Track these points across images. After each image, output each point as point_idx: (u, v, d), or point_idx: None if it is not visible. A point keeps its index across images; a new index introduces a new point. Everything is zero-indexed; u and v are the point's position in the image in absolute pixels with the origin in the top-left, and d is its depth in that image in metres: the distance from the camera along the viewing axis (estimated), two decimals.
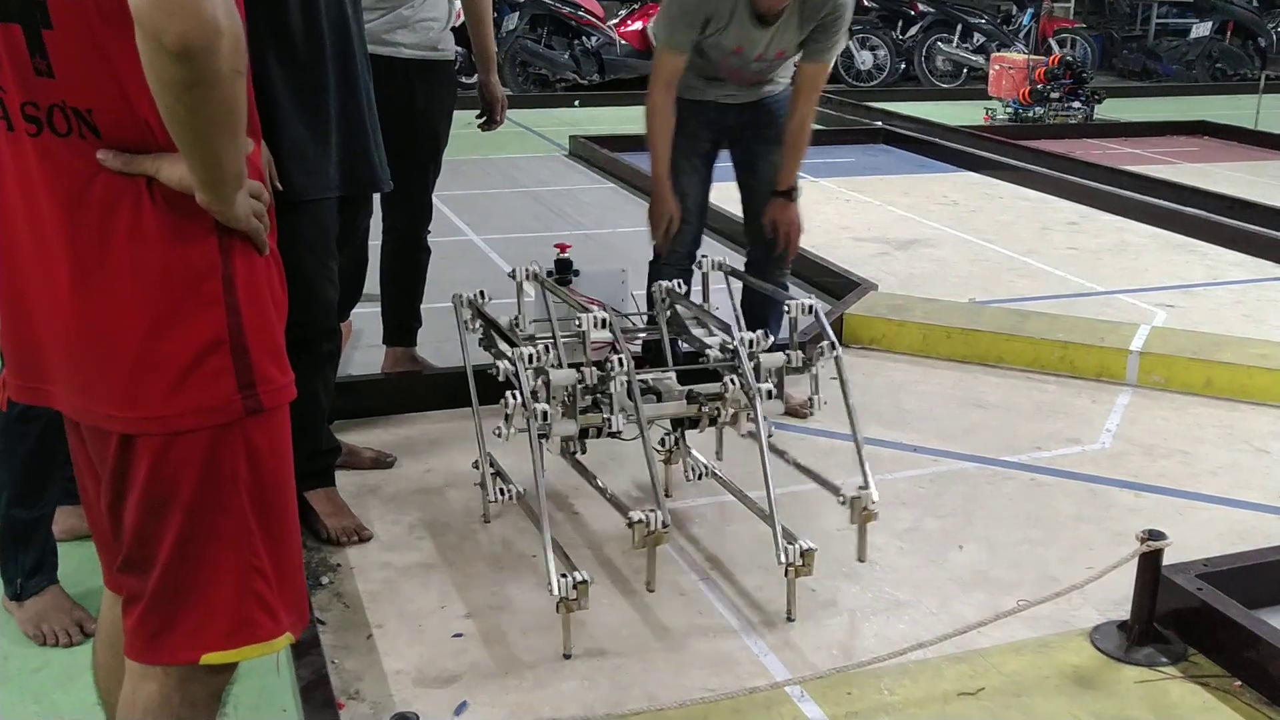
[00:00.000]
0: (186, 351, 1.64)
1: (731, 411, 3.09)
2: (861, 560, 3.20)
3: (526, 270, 3.49)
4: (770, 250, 4.25)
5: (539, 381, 2.92)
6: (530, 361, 2.91)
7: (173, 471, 1.67)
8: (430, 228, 4.54)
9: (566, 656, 2.83)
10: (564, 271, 3.39)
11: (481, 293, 3.48)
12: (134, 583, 1.74)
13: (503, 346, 3.23)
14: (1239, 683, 2.77)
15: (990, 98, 12.79)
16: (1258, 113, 12.08)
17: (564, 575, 2.72)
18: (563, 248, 3.42)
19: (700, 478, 3.40)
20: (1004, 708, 2.70)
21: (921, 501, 3.68)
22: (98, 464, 1.75)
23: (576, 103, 13.84)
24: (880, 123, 11.75)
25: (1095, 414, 4.46)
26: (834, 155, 10.42)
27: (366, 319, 4.67)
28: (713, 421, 3.17)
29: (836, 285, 5.86)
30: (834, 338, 3.12)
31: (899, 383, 4.76)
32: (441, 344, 4.88)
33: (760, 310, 4.13)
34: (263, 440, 1.73)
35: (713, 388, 3.09)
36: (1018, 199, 8.51)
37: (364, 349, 4.86)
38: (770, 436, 3.04)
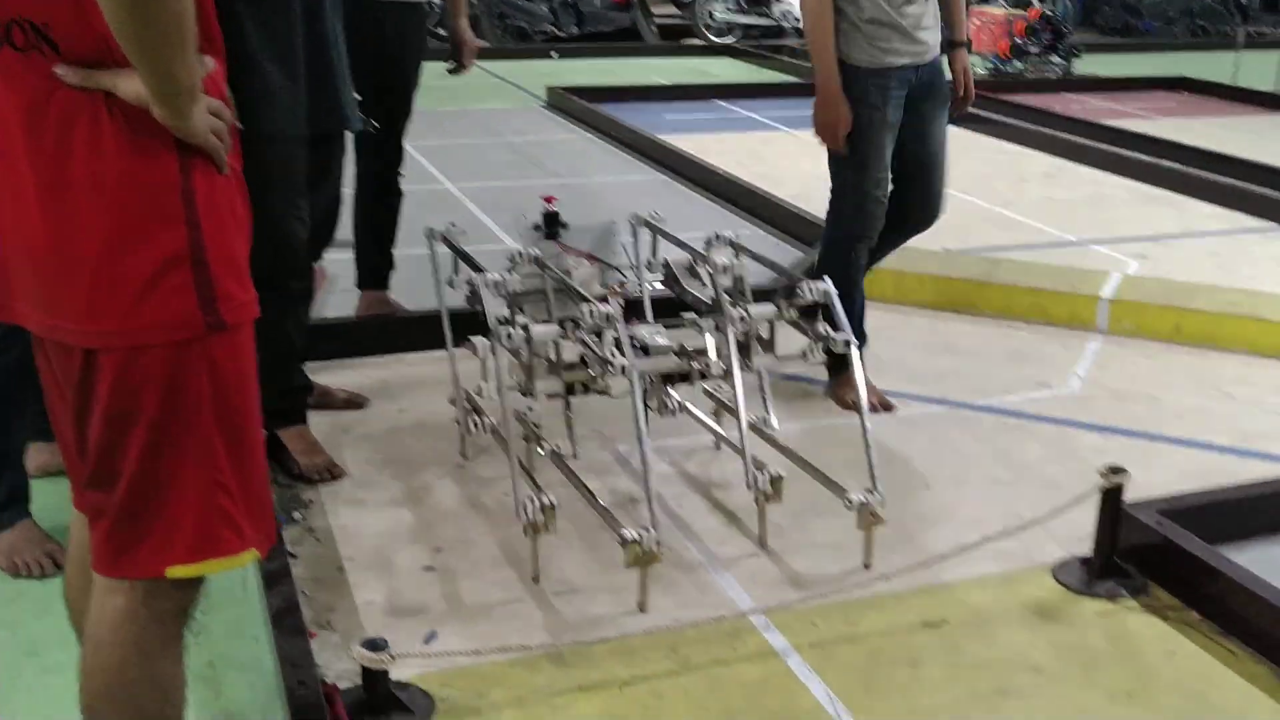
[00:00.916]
0: (147, 267, 1.64)
1: (720, 366, 2.98)
2: (867, 567, 2.99)
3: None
4: (931, 222, 4.13)
5: (515, 317, 2.87)
6: (497, 289, 2.90)
7: (135, 386, 1.67)
8: (403, 171, 4.54)
9: (535, 580, 2.85)
10: (552, 224, 3.31)
11: (453, 224, 3.43)
12: (100, 498, 1.75)
13: (473, 276, 3.17)
14: (1197, 615, 2.82)
15: (970, 52, 12.77)
16: (1236, 69, 12.10)
17: (530, 499, 2.73)
18: (550, 200, 3.33)
19: (674, 414, 3.35)
20: (966, 639, 2.74)
21: (891, 442, 3.71)
22: (63, 381, 1.75)
23: (554, 55, 13.77)
24: None
25: (1065, 359, 4.50)
26: (809, 108, 10.39)
27: (341, 264, 4.66)
28: (703, 376, 3.06)
29: (812, 234, 5.85)
30: (850, 331, 2.99)
31: (872, 329, 4.75)
32: (415, 288, 4.89)
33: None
34: (225, 357, 1.73)
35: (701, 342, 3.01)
36: (995, 152, 8.52)
37: (339, 294, 4.85)
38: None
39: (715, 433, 3.40)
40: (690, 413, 3.42)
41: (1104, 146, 8.18)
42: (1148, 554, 2.96)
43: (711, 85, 11.52)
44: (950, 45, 4.04)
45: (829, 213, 4.04)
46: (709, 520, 3.24)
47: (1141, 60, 14.08)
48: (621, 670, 2.58)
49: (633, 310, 3.49)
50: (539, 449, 3.24)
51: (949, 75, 4.05)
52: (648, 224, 3.52)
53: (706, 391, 3.49)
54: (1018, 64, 12.03)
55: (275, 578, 2.68)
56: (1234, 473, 3.53)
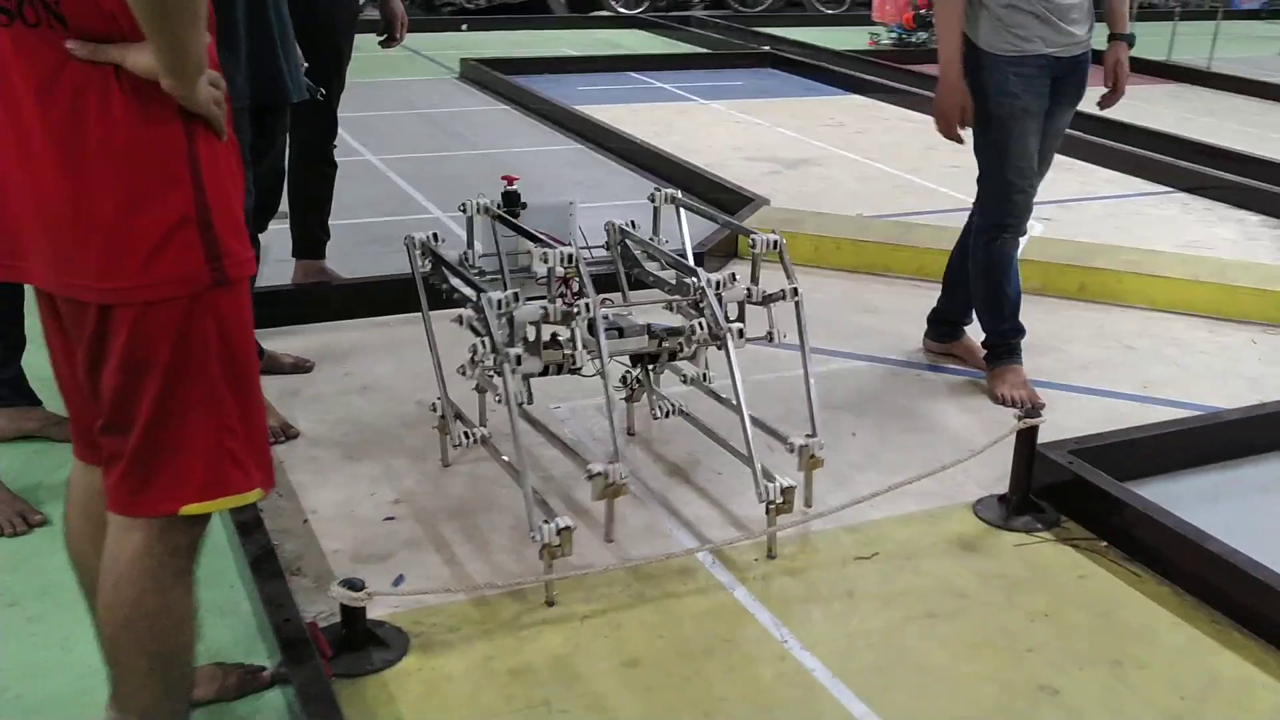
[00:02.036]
0: (158, 226, 1.77)
1: (694, 347, 3.06)
2: (808, 506, 3.14)
3: (476, 204, 3.25)
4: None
5: (504, 321, 2.81)
6: (501, 306, 2.77)
7: (149, 337, 1.80)
8: (336, 142, 4.63)
9: (549, 604, 2.76)
10: (512, 204, 3.26)
11: (435, 235, 3.27)
12: (115, 443, 1.87)
13: (466, 291, 3.04)
14: (1105, 544, 3.07)
15: (874, 23, 13.06)
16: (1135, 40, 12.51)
17: (546, 521, 2.70)
18: (510, 180, 3.28)
19: (668, 416, 3.42)
20: (897, 569, 2.96)
21: (818, 395, 3.91)
22: (73, 335, 1.87)
23: (464, 27, 13.81)
24: (768, 47, 11.96)
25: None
26: (722, 79, 10.62)
27: (275, 234, 4.74)
28: (673, 357, 3.11)
29: (730, 201, 6.06)
30: (796, 280, 3.06)
31: None
32: (347, 257, 5.00)
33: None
34: (230, 309, 1.86)
35: (675, 323, 3.07)
36: (902, 120, 8.80)
37: (273, 263, 4.92)
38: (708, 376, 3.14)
39: (714, 436, 3.34)
40: (686, 415, 3.45)
41: None
42: (1060, 490, 3.20)
43: (623, 56, 11.67)
44: (1109, 37, 3.94)
45: (975, 201, 4.04)
46: (653, 469, 3.42)
47: None
48: (581, 605, 2.76)
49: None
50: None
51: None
52: (621, 230, 3.47)
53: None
54: (922, 34, 12.34)
55: (249, 527, 2.81)
56: (1137, 417, 3.79)
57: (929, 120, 8.77)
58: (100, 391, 1.85)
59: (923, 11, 12.31)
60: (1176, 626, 2.76)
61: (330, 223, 4.72)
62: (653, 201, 3.46)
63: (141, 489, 1.87)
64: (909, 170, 7.22)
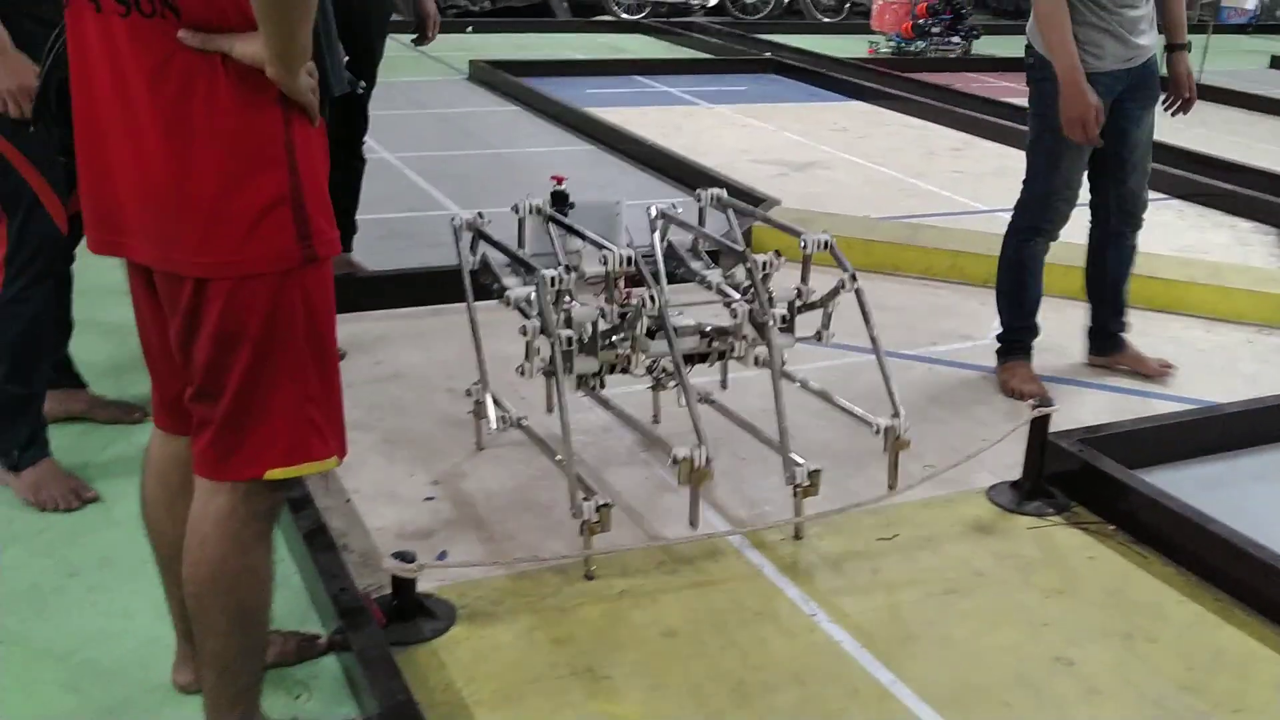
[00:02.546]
0: (255, 206, 1.90)
1: (744, 346, 3.07)
2: (892, 487, 3.19)
3: (529, 205, 3.27)
4: (1129, 220, 4.18)
5: (559, 310, 2.85)
6: (554, 284, 2.80)
7: (242, 310, 1.93)
8: (366, 139, 4.76)
9: (589, 578, 2.88)
10: (560, 204, 3.26)
11: (480, 214, 3.31)
12: (205, 410, 1.99)
13: (508, 281, 3.13)
14: (1113, 527, 3.21)
15: (873, 32, 13.22)
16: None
17: (586, 498, 2.80)
18: (559, 180, 3.28)
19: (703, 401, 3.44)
20: (917, 549, 3.10)
21: (834, 387, 4.02)
22: (168, 307, 1.99)
23: (469, 29, 13.94)
24: (769, 54, 12.10)
25: (984, 315, 4.88)
26: (727, 84, 10.76)
27: None
28: (721, 356, 3.14)
29: (742, 202, 6.19)
30: (851, 269, 3.12)
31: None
32: (370, 250, 5.13)
33: (1116, 274, 4.23)
34: (316, 286, 2.00)
35: (723, 319, 3.08)
36: (904, 126, 8.95)
37: None
38: (784, 363, 3.09)
39: (742, 423, 3.42)
40: (713, 404, 3.54)
41: (1005, 123, 8.64)
42: (1071, 476, 3.35)
43: (630, 60, 11.81)
44: (1169, 48, 4.02)
45: (1017, 200, 4.13)
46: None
47: None
48: (619, 581, 2.89)
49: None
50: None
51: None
52: (663, 215, 3.50)
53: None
54: (920, 43, 12.50)
55: (301, 504, 2.94)
56: (1138, 410, 3.94)
57: (930, 126, 8.92)
58: (193, 362, 1.98)
59: (921, 21, 12.48)
60: (1183, 604, 2.90)
61: (356, 218, 4.84)
62: (698, 201, 3.54)
63: (229, 454, 2.00)
64: (913, 175, 7.37)
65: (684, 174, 6.90)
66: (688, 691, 2.51)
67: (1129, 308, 4.38)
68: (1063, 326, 4.77)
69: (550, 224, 3.24)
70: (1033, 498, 3.34)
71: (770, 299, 3.05)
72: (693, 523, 2.96)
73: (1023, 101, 10.76)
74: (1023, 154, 8.32)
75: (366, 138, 4.78)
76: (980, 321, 4.79)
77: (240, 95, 1.87)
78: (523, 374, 2.96)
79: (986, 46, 13.13)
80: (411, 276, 4.81)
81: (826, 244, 3.14)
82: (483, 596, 2.81)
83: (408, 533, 3.09)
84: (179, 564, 2.08)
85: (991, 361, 4.35)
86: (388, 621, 2.64)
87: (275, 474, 2.01)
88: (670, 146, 7.51)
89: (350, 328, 4.48)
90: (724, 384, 3.60)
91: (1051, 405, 3.33)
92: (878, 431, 3.15)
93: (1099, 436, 3.47)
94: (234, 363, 1.95)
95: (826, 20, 16.00)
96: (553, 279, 2.80)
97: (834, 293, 3.16)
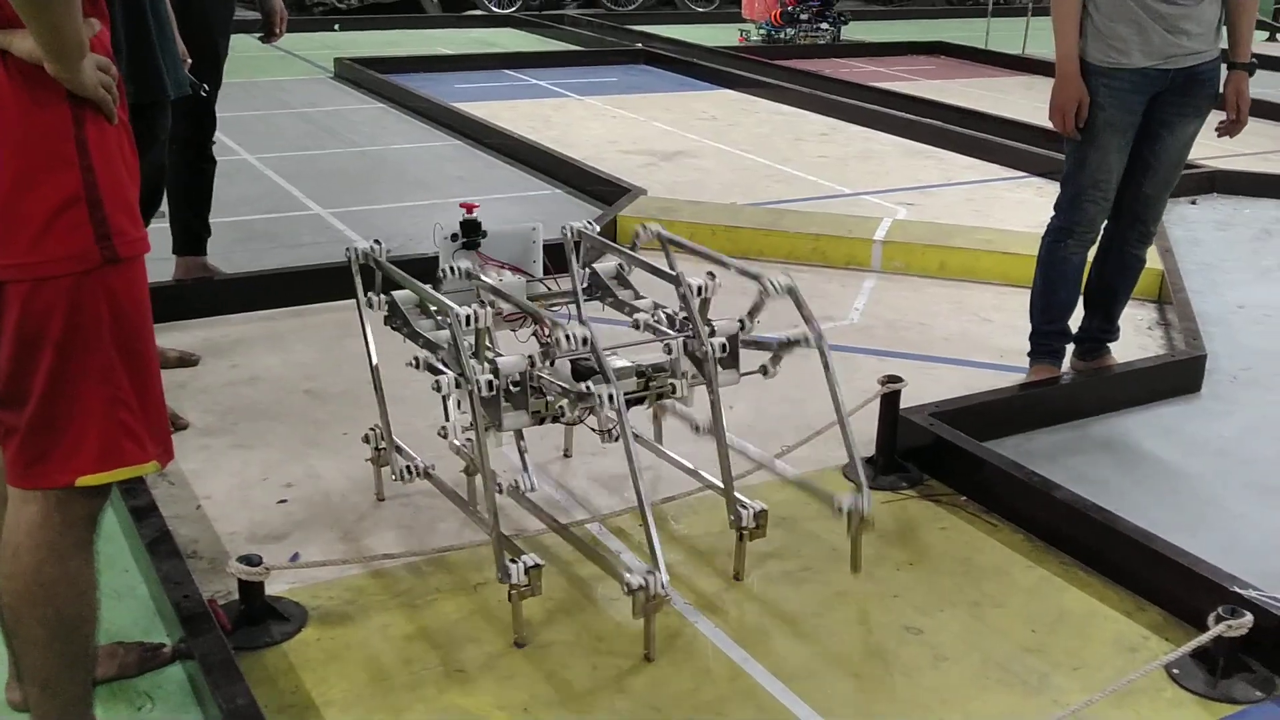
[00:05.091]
0: (47, 206, 1.85)
1: (682, 384, 2.81)
2: (856, 571, 2.90)
3: (453, 268, 2.89)
4: (1137, 225, 3.91)
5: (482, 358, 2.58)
6: (469, 323, 2.55)
7: (41, 313, 1.87)
8: (215, 139, 4.66)
9: (519, 645, 2.62)
10: (472, 234, 2.99)
11: (377, 241, 2.97)
12: (11, 417, 1.93)
13: (421, 325, 2.84)
14: (964, 498, 3.28)
15: (744, 20, 13.34)
16: (988, 34, 13.00)
17: (513, 559, 2.55)
18: (469, 208, 2.99)
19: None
20: (773, 527, 3.10)
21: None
22: None
23: (337, 26, 13.76)
24: (640, 44, 12.13)
25: (845, 296, 4.97)
26: (597, 75, 10.77)
27: (155, 232, 4.74)
28: (660, 397, 2.85)
29: (607, 192, 6.21)
30: (818, 326, 2.96)
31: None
32: (228, 253, 5.04)
33: (1111, 281, 4.02)
34: (121, 287, 1.95)
35: (658, 356, 2.80)
36: (773, 113, 9.04)
37: (153, 261, 4.93)
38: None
39: (683, 467, 3.19)
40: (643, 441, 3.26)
41: (872, 107, 8.79)
42: (922, 451, 3.41)
43: (499, 54, 11.76)
44: (1230, 65, 3.78)
45: (1054, 202, 3.96)
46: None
47: (903, 27, 14.95)
48: (474, 575, 2.87)
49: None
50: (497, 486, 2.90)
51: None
52: (581, 234, 3.20)
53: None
54: (789, 31, 12.64)
55: (143, 512, 2.87)
56: (995, 384, 4.03)
57: (799, 113, 9.00)
58: None
59: (790, 9, 12.61)
60: (1029, 569, 2.97)
61: (210, 220, 4.74)
62: (566, 237, 3.20)
63: (37, 461, 1.94)
64: (780, 160, 7.44)
65: (552, 166, 6.89)
66: (542, 680, 2.51)
67: (984, 282, 4.46)
68: (919, 305, 4.87)
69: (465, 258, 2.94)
70: (887, 473, 3.39)
71: (712, 330, 2.84)
72: (647, 657, 2.60)
73: (888, 85, 11.01)
74: (887, 136, 8.54)
75: (227, 139, 4.68)
76: (840, 304, 4.86)
77: (25, 93, 1.83)
78: (444, 435, 2.74)
79: (854, 32, 13.33)
80: (268, 278, 4.74)
81: (790, 289, 2.98)
82: (335, 597, 2.77)
83: (260, 536, 3.04)
84: None
85: (852, 341, 4.43)
86: (234, 626, 2.59)
87: (87, 480, 1.96)
88: (539, 139, 7.50)
89: (206, 332, 4.40)
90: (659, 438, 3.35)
91: (901, 380, 3.39)
92: (840, 510, 2.82)
93: (949, 410, 3.54)
94: (37, 367, 1.90)
95: (699, 10, 16.10)
96: (468, 317, 2.54)
97: (793, 343, 3.04)
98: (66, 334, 1.90)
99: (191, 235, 4.71)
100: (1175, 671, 2.56)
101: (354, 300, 2.98)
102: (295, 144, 7.66)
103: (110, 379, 1.95)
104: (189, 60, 3.80)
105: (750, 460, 3.23)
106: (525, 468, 3.21)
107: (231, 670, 2.33)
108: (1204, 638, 2.51)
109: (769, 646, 2.64)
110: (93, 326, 1.92)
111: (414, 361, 2.73)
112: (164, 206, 4.47)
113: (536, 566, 2.54)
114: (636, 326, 2.92)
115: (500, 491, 2.93)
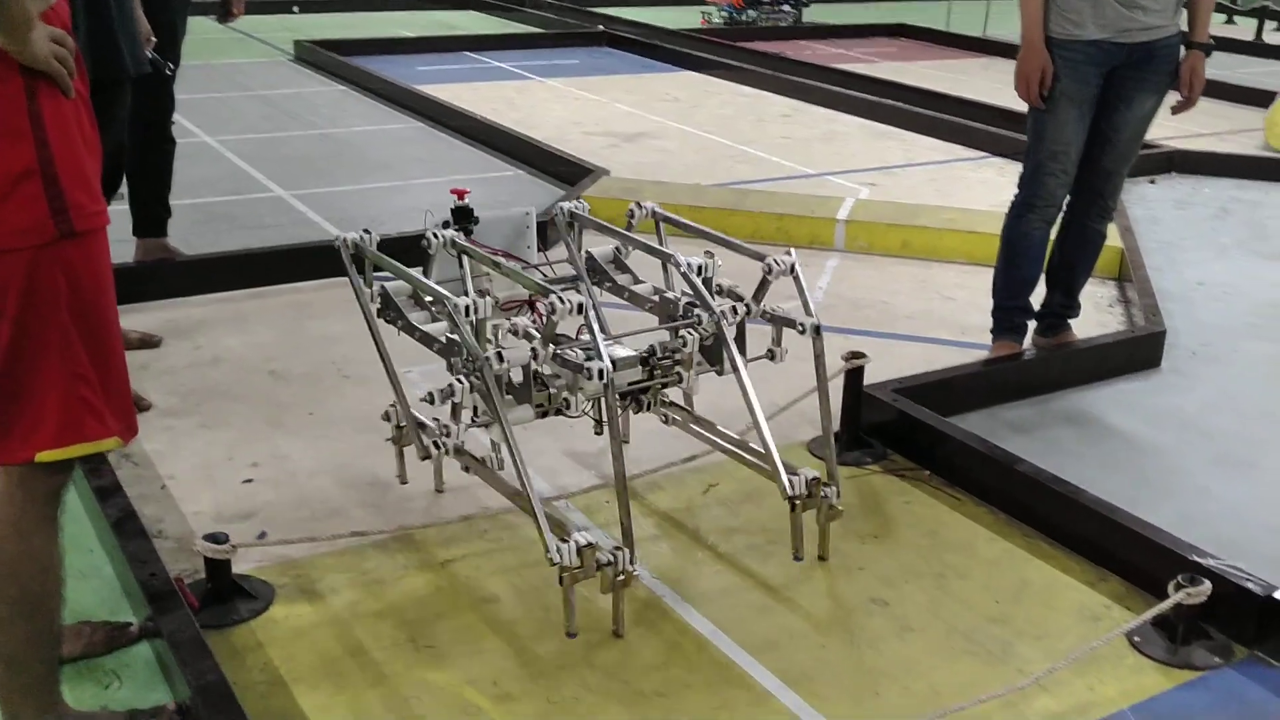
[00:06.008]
0: (0, 180, 1.83)
1: (688, 370, 2.80)
2: (824, 558, 2.90)
3: (441, 238, 2.80)
4: (1096, 200, 3.93)
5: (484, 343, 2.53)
6: (468, 313, 2.50)
7: None
8: (174, 119, 4.63)
9: (571, 635, 2.54)
10: (464, 221, 2.92)
11: (366, 230, 2.89)
12: None
13: (415, 317, 2.83)
14: (928, 473, 3.31)
15: (706, 2, 13.33)
16: (949, 16, 13.05)
17: (563, 539, 2.42)
18: (460, 194, 2.93)
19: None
20: (740, 502, 3.15)
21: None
22: None
23: (296, 9, 13.65)
24: (602, 26, 12.11)
25: (809, 275, 4.93)
26: (559, 57, 10.74)
27: (115, 213, 4.70)
28: (664, 386, 2.84)
29: (570, 173, 6.20)
30: (815, 314, 2.94)
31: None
32: (188, 235, 5.00)
33: (1071, 257, 4.03)
34: (79, 260, 1.93)
35: (656, 337, 2.77)
36: (735, 95, 9.05)
37: (112, 243, 4.89)
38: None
39: (714, 437, 3.14)
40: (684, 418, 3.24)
41: (834, 88, 8.81)
42: (886, 426, 3.44)
43: (460, 36, 11.70)
44: (1186, 45, 3.80)
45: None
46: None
47: (864, 9, 14.97)
48: (441, 552, 2.88)
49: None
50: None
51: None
52: (574, 216, 3.18)
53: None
54: (751, 13, 12.64)
55: (108, 492, 2.85)
56: (958, 361, 4.05)
57: (761, 94, 9.01)
58: None
59: None
60: (993, 541, 3.00)
61: (170, 201, 4.70)
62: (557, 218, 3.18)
63: None
64: (743, 141, 7.45)
65: (514, 147, 6.88)
66: (511, 654, 2.52)
67: (947, 260, 4.50)
68: (883, 283, 4.89)
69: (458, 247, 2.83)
70: (852, 448, 3.42)
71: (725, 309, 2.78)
72: (616, 632, 2.58)
73: (851, 67, 11.02)
74: (850, 117, 8.57)
75: (186, 121, 4.65)
76: (806, 283, 4.86)
77: None
78: (446, 442, 2.71)
79: (816, 14, 13.36)
80: (229, 259, 4.70)
81: (793, 268, 2.95)
82: (303, 575, 2.76)
83: (227, 515, 3.02)
84: None
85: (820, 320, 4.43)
86: (202, 605, 2.58)
87: (46, 456, 1.94)
88: (503, 120, 7.47)
89: (168, 313, 4.37)
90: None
91: (865, 356, 3.41)
92: (789, 500, 2.79)
93: (912, 386, 3.56)
94: None
95: None
96: (466, 307, 2.49)
97: (787, 321, 3.01)
98: (23, 309, 1.88)
99: (152, 216, 4.67)
100: (1136, 639, 2.60)
101: (313, 283, 2.97)
102: (255, 126, 7.60)
103: (69, 354, 1.94)
104: (153, 40, 3.77)
105: (718, 438, 3.24)
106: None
107: (200, 647, 2.33)
108: (1164, 605, 2.55)
109: (736, 617, 2.66)
110: (50, 301, 1.91)
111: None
112: (124, 188, 4.45)
113: (589, 546, 2.39)
114: (635, 302, 2.91)
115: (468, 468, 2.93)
